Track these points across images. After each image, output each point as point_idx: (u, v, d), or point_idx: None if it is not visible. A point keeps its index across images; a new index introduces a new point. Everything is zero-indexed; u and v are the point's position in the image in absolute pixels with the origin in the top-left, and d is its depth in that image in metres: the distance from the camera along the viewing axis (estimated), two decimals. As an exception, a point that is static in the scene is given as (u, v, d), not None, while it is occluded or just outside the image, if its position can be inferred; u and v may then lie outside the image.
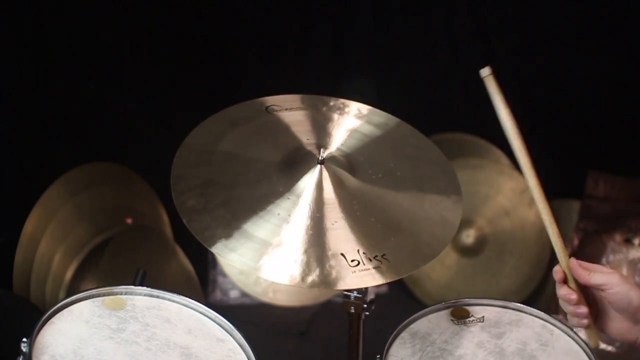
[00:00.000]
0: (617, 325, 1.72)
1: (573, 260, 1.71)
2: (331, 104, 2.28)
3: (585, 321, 1.72)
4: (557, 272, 1.73)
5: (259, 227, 1.95)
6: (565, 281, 1.73)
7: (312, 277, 1.89)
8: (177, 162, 2.05)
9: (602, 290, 1.70)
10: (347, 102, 2.29)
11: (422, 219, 2.05)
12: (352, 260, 1.92)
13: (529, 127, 3.91)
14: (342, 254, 1.93)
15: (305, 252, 1.92)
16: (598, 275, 1.69)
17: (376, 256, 1.94)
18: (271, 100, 2.25)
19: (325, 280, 1.88)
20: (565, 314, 1.77)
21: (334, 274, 1.90)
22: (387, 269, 1.92)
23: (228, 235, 1.93)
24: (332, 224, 1.97)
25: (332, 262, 1.91)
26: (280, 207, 1.98)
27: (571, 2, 3.62)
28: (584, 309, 1.71)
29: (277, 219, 1.96)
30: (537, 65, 3.75)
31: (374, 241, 1.96)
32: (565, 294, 1.71)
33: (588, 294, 1.74)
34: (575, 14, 3.63)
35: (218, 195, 1.99)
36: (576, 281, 1.73)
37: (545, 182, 3.88)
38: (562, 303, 1.74)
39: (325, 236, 1.95)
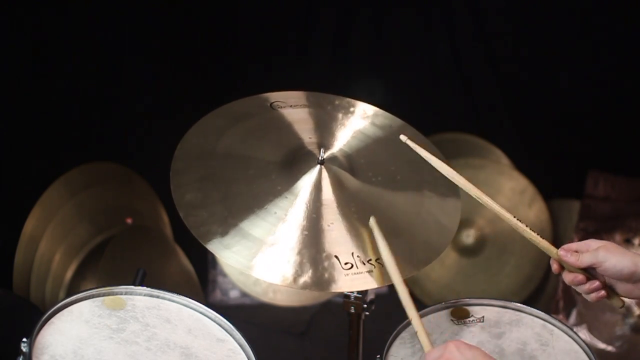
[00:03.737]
0: (622, 288, 1.81)
1: (561, 251, 1.83)
2: (336, 102, 2.27)
3: (602, 292, 1.81)
4: (552, 264, 1.85)
5: (255, 226, 1.94)
6: (562, 269, 1.84)
7: (305, 278, 1.88)
8: (178, 155, 2.04)
9: (594, 267, 1.80)
10: (352, 101, 2.28)
11: (418, 225, 2.05)
12: (346, 263, 1.92)
13: (529, 127, 3.94)
14: (336, 256, 1.92)
15: (299, 252, 1.92)
16: (586, 256, 1.80)
17: (370, 260, 1.93)
18: (276, 96, 2.24)
19: (318, 282, 1.88)
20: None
21: (326, 276, 1.89)
22: (380, 273, 1.92)
23: (224, 232, 1.93)
24: (329, 226, 1.97)
25: (326, 264, 1.91)
26: (277, 206, 1.98)
27: (571, 2, 3.62)
28: (597, 283, 1.80)
29: (273, 218, 1.96)
30: (537, 65, 3.75)
31: (368, 245, 1.95)
32: (572, 278, 1.81)
33: (589, 269, 1.83)
34: (576, 14, 3.63)
35: (216, 191, 1.99)
36: None
37: (546, 182, 3.89)
38: (576, 288, 1.84)
39: (321, 237, 1.95)
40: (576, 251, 1.81)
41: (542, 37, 3.69)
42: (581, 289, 1.82)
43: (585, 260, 1.79)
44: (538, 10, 3.67)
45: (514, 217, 1.89)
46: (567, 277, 1.82)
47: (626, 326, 3.23)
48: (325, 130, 2.18)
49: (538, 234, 1.87)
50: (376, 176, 2.11)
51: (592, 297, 1.82)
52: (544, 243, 1.85)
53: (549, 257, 3.87)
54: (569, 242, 3.59)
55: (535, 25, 3.70)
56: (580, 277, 1.80)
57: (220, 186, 2.00)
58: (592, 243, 1.81)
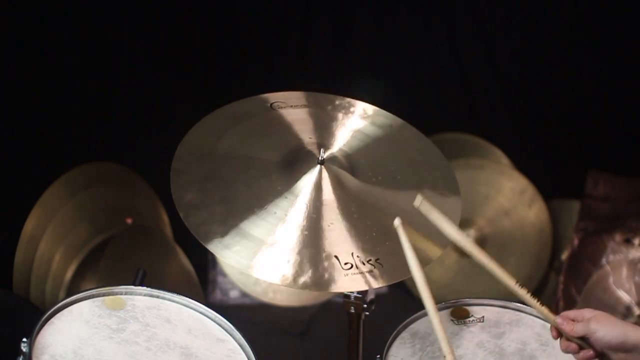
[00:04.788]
0: (615, 357, 1.82)
1: (558, 319, 1.84)
2: (337, 102, 2.27)
3: None
4: (551, 330, 1.87)
5: (255, 226, 1.94)
6: (560, 335, 1.85)
7: (304, 278, 1.88)
8: (179, 155, 2.05)
9: (587, 337, 1.82)
10: (352, 101, 2.28)
11: (418, 225, 2.04)
12: (346, 263, 1.91)
13: (529, 127, 3.95)
14: (335, 257, 1.92)
15: (299, 252, 1.92)
16: (578, 326, 1.82)
17: (370, 260, 1.93)
18: (276, 96, 2.24)
19: (318, 282, 1.88)
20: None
21: (326, 276, 1.89)
22: (380, 274, 1.92)
23: (224, 232, 1.92)
24: (329, 226, 1.97)
25: (326, 264, 1.90)
26: (277, 206, 1.98)
27: (572, 2, 3.62)
28: (590, 352, 1.82)
29: (273, 218, 1.96)
30: (538, 65, 3.75)
31: (368, 245, 1.95)
32: (565, 346, 1.84)
33: (585, 338, 1.84)
34: (576, 14, 3.63)
35: (216, 191, 1.99)
36: None
37: (546, 182, 3.89)
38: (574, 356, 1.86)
39: (321, 237, 1.95)
40: (573, 319, 1.83)
41: (542, 37, 3.69)
42: (576, 357, 1.84)
43: (578, 330, 1.82)
44: (538, 10, 3.67)
45: (516, 283, 1.90)
46: (562, 345, 1.85)
47: (626, 326, 3.22)
48: (325, 130, 2.18)
49: (539, 301, 1.87)
50: (376, 176, 2.11)
51: None
52: (544, 310, 1.86)
53: (549, 257, 3.89)
54: (570, 245, 3.58)
55: (536, 25, 3.70)
56: (574, 346, 1.83)
57: (220, 186, 2.00)
58: (587, 313, 1.83)
